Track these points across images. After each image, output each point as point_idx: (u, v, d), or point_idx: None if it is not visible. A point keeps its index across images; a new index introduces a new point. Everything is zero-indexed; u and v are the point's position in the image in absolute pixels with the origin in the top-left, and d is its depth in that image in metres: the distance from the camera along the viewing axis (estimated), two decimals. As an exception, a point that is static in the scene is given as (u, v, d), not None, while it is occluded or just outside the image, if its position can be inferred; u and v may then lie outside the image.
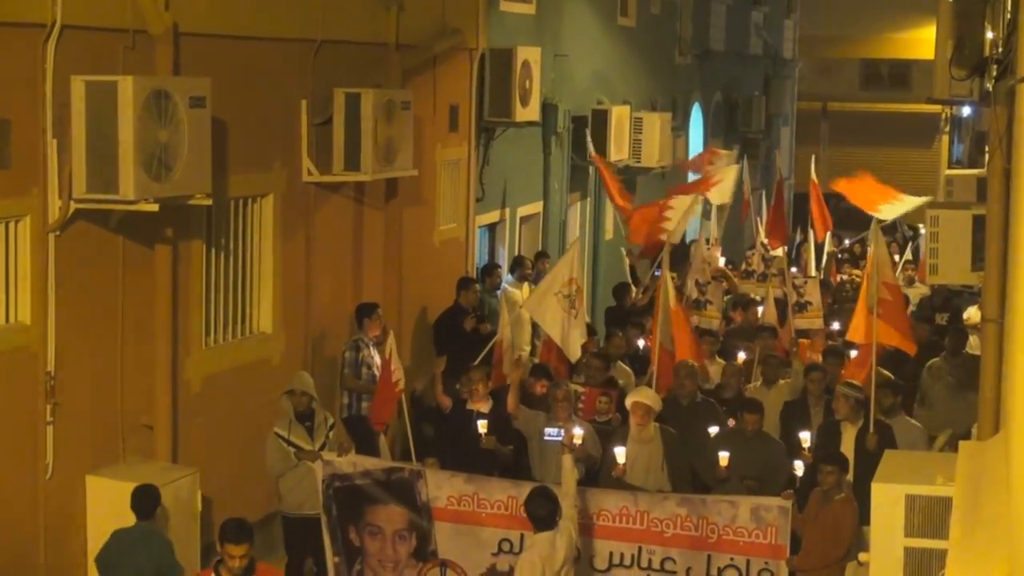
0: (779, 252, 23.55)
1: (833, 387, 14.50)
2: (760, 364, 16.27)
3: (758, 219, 25.31)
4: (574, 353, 15.62)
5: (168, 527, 12.32)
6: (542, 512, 10.84)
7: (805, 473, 13.20)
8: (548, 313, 15.39)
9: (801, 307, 18.74)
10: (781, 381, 15.63)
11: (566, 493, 11.24)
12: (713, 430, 14.03)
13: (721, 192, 22.68)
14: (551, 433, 13.55)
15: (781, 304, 19.44)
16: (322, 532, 12.97)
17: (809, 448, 13.54)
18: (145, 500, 11.49)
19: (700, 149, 31.87)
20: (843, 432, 13.76)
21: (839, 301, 20.71)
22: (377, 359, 15.55)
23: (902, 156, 43.90)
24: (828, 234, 26.16)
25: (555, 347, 15.96)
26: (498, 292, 19.17)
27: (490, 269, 19.70)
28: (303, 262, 15.68)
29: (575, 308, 15.35)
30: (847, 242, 27.35)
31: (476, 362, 14.81)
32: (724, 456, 13.22)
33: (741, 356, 16.93)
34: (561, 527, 10.84)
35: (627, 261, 22.55)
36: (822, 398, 14.57)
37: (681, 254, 23.06)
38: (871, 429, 13.61)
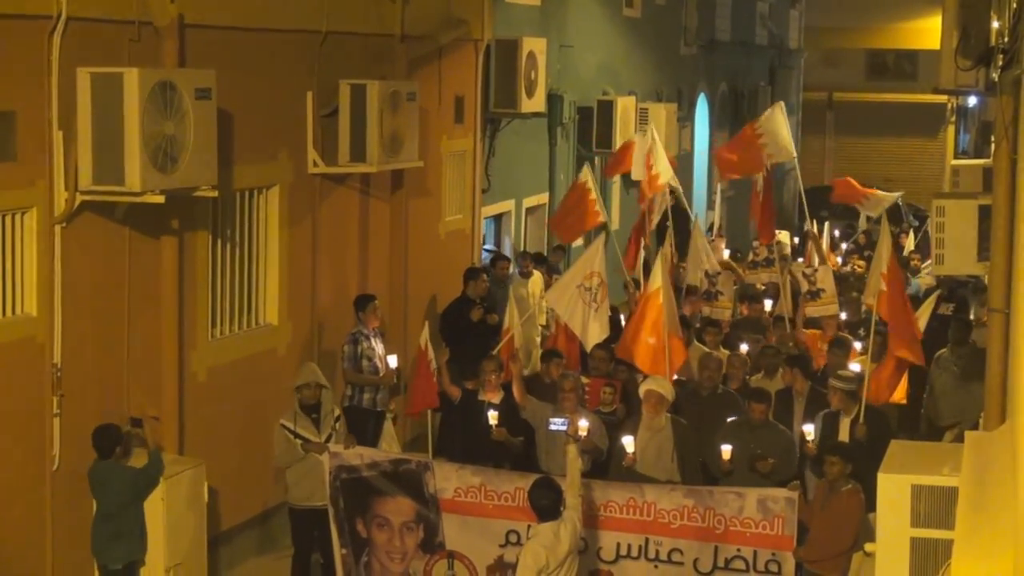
0: (784, 239, 23.61)
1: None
2: (760, 355, 16.26)
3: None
4: (591, 345, 15.59)
5: (174, 516, 12.42)
6: (545, 502, 10.84)
7: (806, 465, 13.20)
8: (569, 305, 15.38)
9: (814, 295, 18.70)
10: (782, 370, 15.60)
11: (570, 483, 11.24)
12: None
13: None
14: (556, 422, 13.56)
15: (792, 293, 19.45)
16: (329, 524, 12.98)
17: (813, 441, 13.51)
18: (103, 441, 11.92)
19: (706, 140, 31.90)
20: (840, 423, 13.77)
21: (844, 291, 20.67)
22: (379, 350, 15.54)
23: (908, 146, 43.89)
24: (827, 224, 26.15)
25: (564, 333, 15.93)
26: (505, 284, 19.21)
27: (496, 261, 19.71)
28: (309, 253, 15.69)
29: (596, 302, 15.32)
30: (836, 232, 27.37)
31: (493, 352, 14.81)
32: (727, 450, 13.19)
33: (744, 348, 16.88)
34: (565, 517, 10.84)
35: (641, 255, 22.52)
36: (803, 391, 14.56)
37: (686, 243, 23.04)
38: (861, 419, 13.63)
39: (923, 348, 16.44)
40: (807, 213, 23.78)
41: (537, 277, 19.59)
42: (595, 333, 15.36)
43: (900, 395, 15.23)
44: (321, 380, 13.44)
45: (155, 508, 12.34)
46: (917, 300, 20.21)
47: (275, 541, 14.85)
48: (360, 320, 15.64)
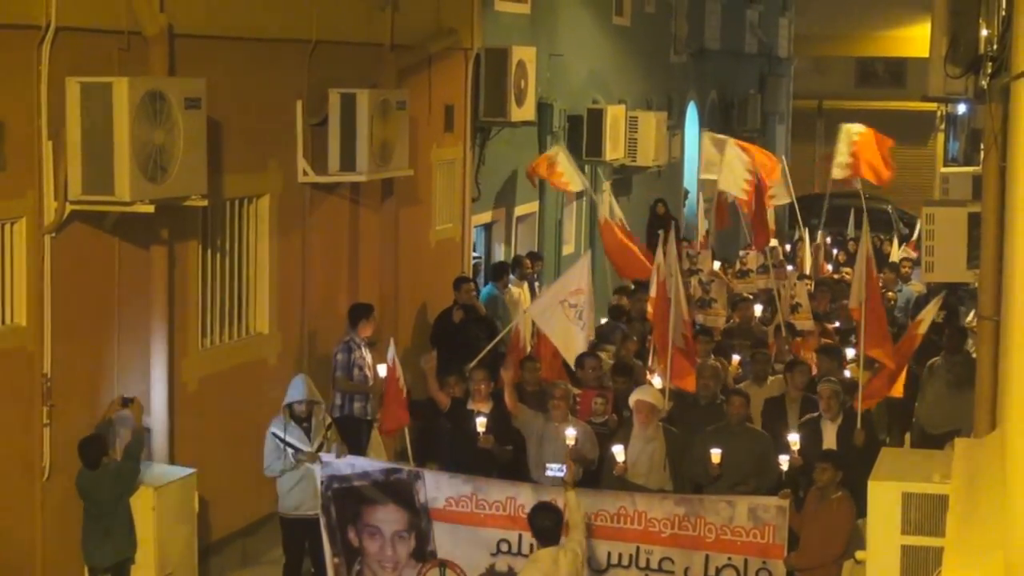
0: (774, 243, 23.67)
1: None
2: (752, 362, 16.24)
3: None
4: (573, 359, 15.56)
5: (166, 528, 12.40)
6: (547, 524, 10.75)
7: (793, 474, 13.19)
8: (552, 321, 15.37)
9: (793, 308, 18.77)
10: (771, 378, 15.57)
11: (573, 526, 11.14)
12: None
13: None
14: (552, 468, 13.35)
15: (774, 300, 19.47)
16: (319, 532, 12.96)
17: (799, 450, 13.49)
18: (89, 452, 11.97)
19: (695, 148, 31.90)
20: (824, 429, 13.77)
21: (835, 299, 20.67)
22: (369, 359, 15.53)
23: (898, 154, 43.80)
24: (820, 232, 26.17)
25: (550, 348, 15.91)
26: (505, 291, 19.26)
27: (501, 269, 19.75)
28: (299, 263, 15.68)
29: (582, 319, 15.32)
30: (828, 240, 27.38)
31: (475, 361, 14.81)
32: (716, 453, 13.16)
33: (736, 358, 16.85)
34: (567, 547, 10.76)
35: None
36: (798, 398, 14.57)
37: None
38: (859, 425, 13.62)
39: (916, 355, 16.49)
40: (800, 220, 23.89)
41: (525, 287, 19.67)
42: (579, 348, 15.35)
43: (898, 389, 15.22)
44: (315, 397, 13.42)
45: (146, 517, 12.34)
46: (906, 309, 20.24)
47: (266, 551, 14.83)
48: (356, 328, 15.63)
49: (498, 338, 15.66)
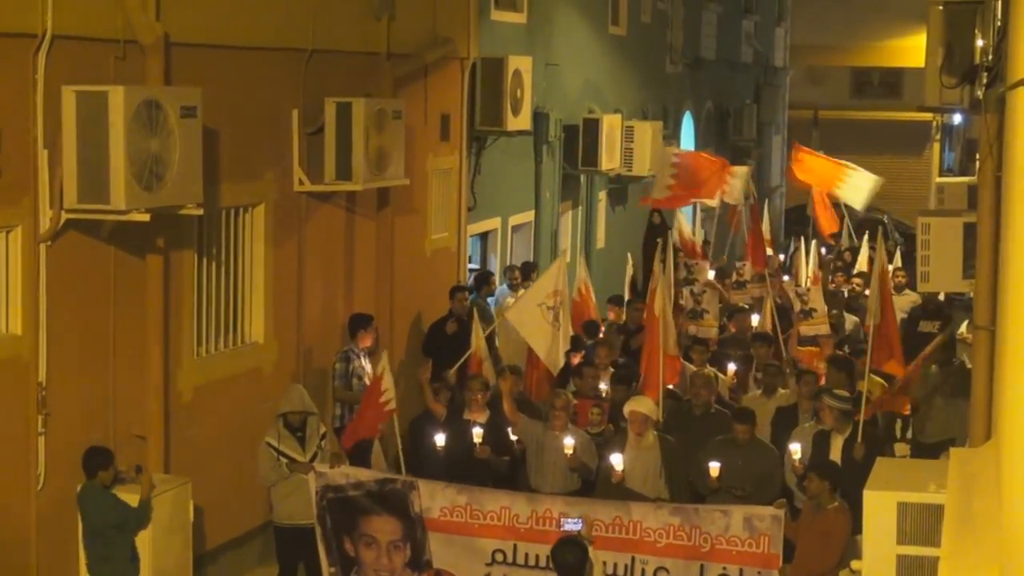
0: (769, 252, 23.66)
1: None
2: (759, 372, 16.23)
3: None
4: (555, 364, 15.55)
5: (159, 536, 12.38)
6: (570, 559, 10.42)
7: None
8: (530, 324, 15.39)
9: (806, 314, 18.71)
10: (781, 390, 15.53)
11: None
12: None
13: (732, 193, 23.99)
14: (568, 522, 13.12)
15: (782, 311, 19.41)
16: (314, 541, 12.95)
17: (800, 460, 13.47)
18: (87, 461, 11.89)
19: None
20: (832, 441, 13.75)
21: (831, 307, 20.66)
22: (368, 368, 15.54)
23: (893, 164, 43.94)
24: (814, 242, 26.19)
25: (538, 360, 15.90)
26: (490, 299, 19.21)
27: (485, 278, 19.73)
28: (295, 272, 15.67)
29: (559, 321, 15.34)
30: (824, 251, 27.40)
31: (453, 370, 14.84)
32: (715, 467, 13.18)
33: (731, 368, 16.82)
34: None
35: (629, 272, 22.49)
36: (810, 408, 14.53)
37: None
38: (859, 439, 13.60)
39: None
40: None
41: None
42: (558, 351, 15.35)
43: (903, 406, 15.24)
44: (309, 407, 13.39)
45: (140, 527, 12.32)
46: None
47: (260, 559, 14.82)
48: (355, 338, 15.62)
49: (469, 352, 15.62)
